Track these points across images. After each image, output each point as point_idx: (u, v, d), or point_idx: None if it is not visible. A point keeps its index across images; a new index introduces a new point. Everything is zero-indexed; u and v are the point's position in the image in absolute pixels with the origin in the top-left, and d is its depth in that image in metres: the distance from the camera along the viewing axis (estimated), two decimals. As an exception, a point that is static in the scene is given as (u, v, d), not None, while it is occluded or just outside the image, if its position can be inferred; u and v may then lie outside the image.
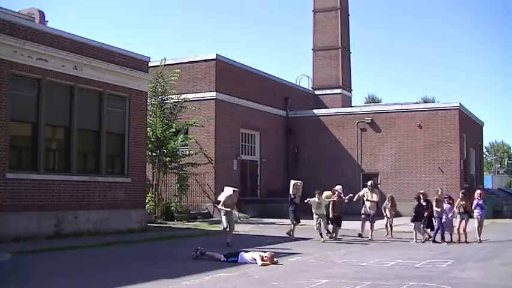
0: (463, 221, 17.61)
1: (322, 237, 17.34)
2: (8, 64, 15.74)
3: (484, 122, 41.99)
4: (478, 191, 18.79)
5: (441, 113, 31.69)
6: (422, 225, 17.87)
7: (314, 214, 17.58)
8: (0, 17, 15.92)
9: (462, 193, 18.53)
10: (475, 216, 17.84)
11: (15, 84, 16.08)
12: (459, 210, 17.76)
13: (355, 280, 10.17)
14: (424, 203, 18.19)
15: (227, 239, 15.55)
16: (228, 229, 15.75)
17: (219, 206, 16.23)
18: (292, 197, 17.97)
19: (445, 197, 18.32)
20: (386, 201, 19.52)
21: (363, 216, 18.88)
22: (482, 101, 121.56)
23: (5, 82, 15.65)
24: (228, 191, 16.22)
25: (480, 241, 17.39)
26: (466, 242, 17.37)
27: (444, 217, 17.78)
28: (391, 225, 19.19)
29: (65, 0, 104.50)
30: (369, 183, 19.80)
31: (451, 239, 17.70)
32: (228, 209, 15.90)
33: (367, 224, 18.68)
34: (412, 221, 18.02)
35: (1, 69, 15.58)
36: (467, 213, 17.84)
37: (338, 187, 18.62)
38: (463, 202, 17.81)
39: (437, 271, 11.57)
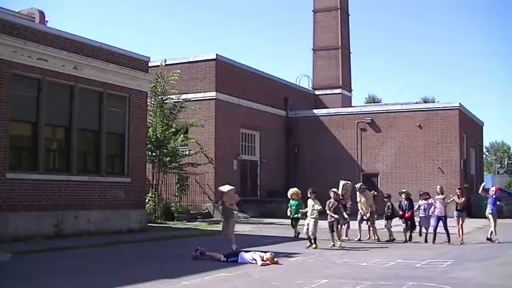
0: (460, 220, 17.26)
1: (312, 243, 15.40)
2: (8, 64, 15.74)
3: (484, 122, 42.02)
4: (494, 188, 18.48)
5: (441, 113, 31.70)
6: (403, 227, 17.90)
7: (309, 217, 15.61)
8: (0, 17, 15.92)
9: (459, 189, 18.21)
10: (487, 215, 17.52)
11: (15, 84, 16.07)
12: (456, 208, 17.48)
13: (355, 280, 10.16)
14: (406, 202, 18.10)
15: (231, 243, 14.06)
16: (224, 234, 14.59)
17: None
18: (341, 198, 17.26)
19: (421, 193, 18.18)
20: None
21: (358, 219, 18.36)
22: (482, 101, 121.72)
23: (5, 82, 15.65)
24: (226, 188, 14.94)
25: (497, 239, 17.13)
26: (462, 241, 16.97)
27: (423, 213, 17.65)
28: (374, 226, 18.41)
29: (65, 0, 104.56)
30: (358, 185, 18.93)
31: (426, 239, 17.29)
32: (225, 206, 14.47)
33: (362, 225, 18.23)
34: (387, 219, 18.14)
35: (1, 69, 15.58)
36: (464, 211, 17.57)
37: (334, 189, 17.00)
38: (460, 200, 17.44)
39: (437, 271, 11.57)
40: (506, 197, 34.62)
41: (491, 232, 17.37)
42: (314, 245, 15.28)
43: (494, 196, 17.69)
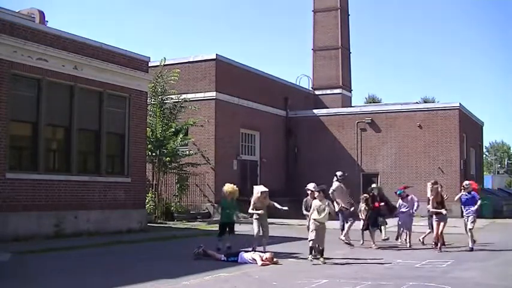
0: (440, 223, 14.95)
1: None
2: (8, 64, 15.74)
3: (484, 122, 42.04)
4: (467, 182, 15.76)
5: (441, 113, 31.70)
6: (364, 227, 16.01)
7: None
8: (0, 17, 15.92)
9: (432, 184, 15.38)
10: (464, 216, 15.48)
11: (15, 84, 16.08)
12: (433, 208, 15.12)
13: (355, 280, 10.16)
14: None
15: (255, 243, 13.41)
16: (260, 234, 13.65)
17: (250, 210, 13.92)
18: (431, 198, 15.46)
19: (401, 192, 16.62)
20: (361, 203, 16.59)
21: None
22: (482, 101, 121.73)
23: (5, 82, 15.66)
24: (256, 191, 14.08)
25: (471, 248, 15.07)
26: (444, 245, 15.33)
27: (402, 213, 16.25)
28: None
29: (65, 0, 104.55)
30: (338, 173, 16.98)
31: (407, 240, 16.12)
32: (260, 212, 13.79)
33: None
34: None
35: (1, 69, 15.59)
36: (445, 213, 15.19)
37: (311, 185, 14.54)
38: (436, 198, 15.07)
39: (437, 271, 11.57)
40: (506, 197, 34.78)
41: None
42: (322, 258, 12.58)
43: (471, 192, 15.11)
